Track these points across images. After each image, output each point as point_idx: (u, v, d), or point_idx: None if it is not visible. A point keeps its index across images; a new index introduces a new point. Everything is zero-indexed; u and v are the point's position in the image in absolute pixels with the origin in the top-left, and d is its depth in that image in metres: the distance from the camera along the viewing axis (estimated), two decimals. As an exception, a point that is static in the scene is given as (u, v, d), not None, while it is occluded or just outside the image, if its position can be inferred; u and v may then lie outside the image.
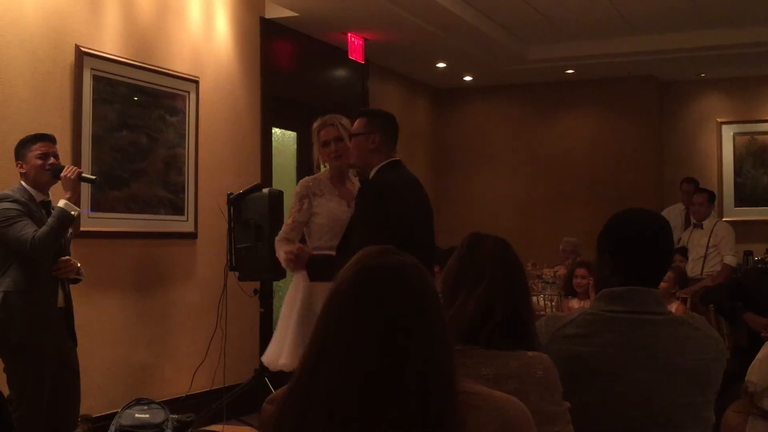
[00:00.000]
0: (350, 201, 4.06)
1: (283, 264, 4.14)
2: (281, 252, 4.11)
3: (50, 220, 3.91)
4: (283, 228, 4.20)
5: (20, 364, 3.89)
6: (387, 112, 3.97)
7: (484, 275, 1.98)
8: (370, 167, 3.76)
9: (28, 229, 3.84)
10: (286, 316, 4.18)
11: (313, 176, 4.30)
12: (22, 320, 3.85)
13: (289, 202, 5.30)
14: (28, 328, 3.86)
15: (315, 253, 4.01)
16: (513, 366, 1.88)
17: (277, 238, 4.20)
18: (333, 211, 4.05)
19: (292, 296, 4.14)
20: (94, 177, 4.45)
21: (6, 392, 3.85)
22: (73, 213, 3.98)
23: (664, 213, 8.19)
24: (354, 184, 4.18)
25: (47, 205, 4.05)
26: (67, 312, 4.12)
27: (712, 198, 7.55)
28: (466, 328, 1.93)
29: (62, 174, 4.03)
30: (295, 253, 3.98)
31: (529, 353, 1.91)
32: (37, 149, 3.99)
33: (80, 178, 4.11)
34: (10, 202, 3.88)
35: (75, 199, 4.01)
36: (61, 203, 3.96)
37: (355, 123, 3.85)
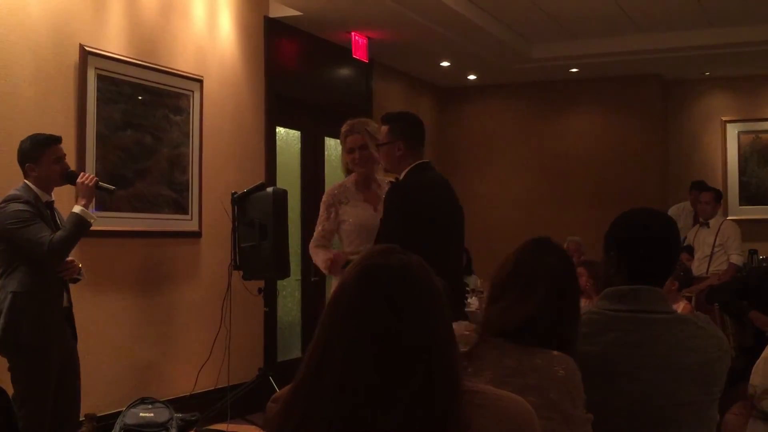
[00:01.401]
0: (377, 205, 4.11)
1: (324, 271, 4.23)
2: (319, 260, 4.20)
3: (68, 225, 3.90)
4: (315, 236, 4.28)
5: (28, 364, 3.88)
6: (409, 115, 4.02)
7: (539, 286, 1.98)
8: (401, 172, 3.84)
9: (43, 232, 3.82)
10: None
11: (338, 183, 4.34)
12: (31, 321, 3.84)
13: (293, 202, 5.30)
14: (37, 329, 3.86)
15: (351, 256, 4.03)
16: (537, 362, 1.89)
17: (311, 246, 4.30)
18: (360, 216, 4.13)
19: None
20: (113, 187, 4.36)
21: (10, 391, 3.86)
22: (91, 221, 3.98)
23: (671, 210, 8.18)
24: (381, 186, 4.23)
25: (51, 206, 4.04)
26: (69, 310, 4.12)
27: (718, 197, 7.55)
28: (511, 328, 1.94)
29: (79, 180, 4.02)
30: (332, 259, 4.06)
31: (555, 352, 1.91)
32: (51, 153, 3.96)
33: (98, 187, 4.11)
34: (22, 203, 3.85)
35: (88, 207, 4.01)
36: (77, 209, 3.94)
37: (381, 132, 3.92)
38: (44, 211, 3.94)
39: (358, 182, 4.24)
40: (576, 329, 2.03)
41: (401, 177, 3.83)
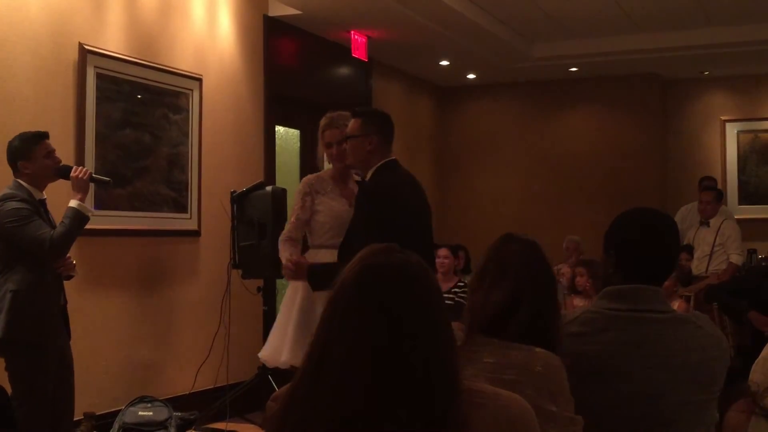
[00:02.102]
0: (352, 200, 4.04)
1: (283, 272, 4.01)
2: (284, 257, 4.06)
3: (66, 221, 3.89)
4: (287, 227, 4.18)
5: (28, 363, 3.87)
6: (382, 112, 3.93)
7: (508, 274, 2.00)
8: (368, 168, 3.74)
9: (44, 229, 3.82)
10: (285, 313, 4.16)
11: (315, 174, 4.29)
12: (32, 319, 3.84)
13: (292, 200, 5.28)
14: (37, 327, 3.85)
15: (314, 262, 3.90)
16: (515, 357, 1.88)
17: (281, 238, 4.17)
18: (335, 209, 4.05)
19: (293, 293, 4.12)
20: (108, 179, 4.35)
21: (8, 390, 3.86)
22: (88, 214, 3.97)
23: (681, 211, 8.16)
24: (356, 183, 4.17)
25: (44, 204, 4.02)
26: (64, 308, 4.12)
27: (719, 197, 7.56)
28: (486, 320, 1.95)
29: (72, 174, 4.00)
30: (293, 262, 3.87)
31: (537, 349, 1.90)
32: (42, 148, 3.95)
33: (92, 180, 4.10)
34: (18, 201, 3.84)
35: (84, 200, 4.00)
36: (74, 204, 3.92)
37: (350, 124, 3.80)
38: (40, 209, 3.94)
39: (335, 176, 4.17)
40: (556, 323, 2.03)
41: (369, 175, 3.71)
